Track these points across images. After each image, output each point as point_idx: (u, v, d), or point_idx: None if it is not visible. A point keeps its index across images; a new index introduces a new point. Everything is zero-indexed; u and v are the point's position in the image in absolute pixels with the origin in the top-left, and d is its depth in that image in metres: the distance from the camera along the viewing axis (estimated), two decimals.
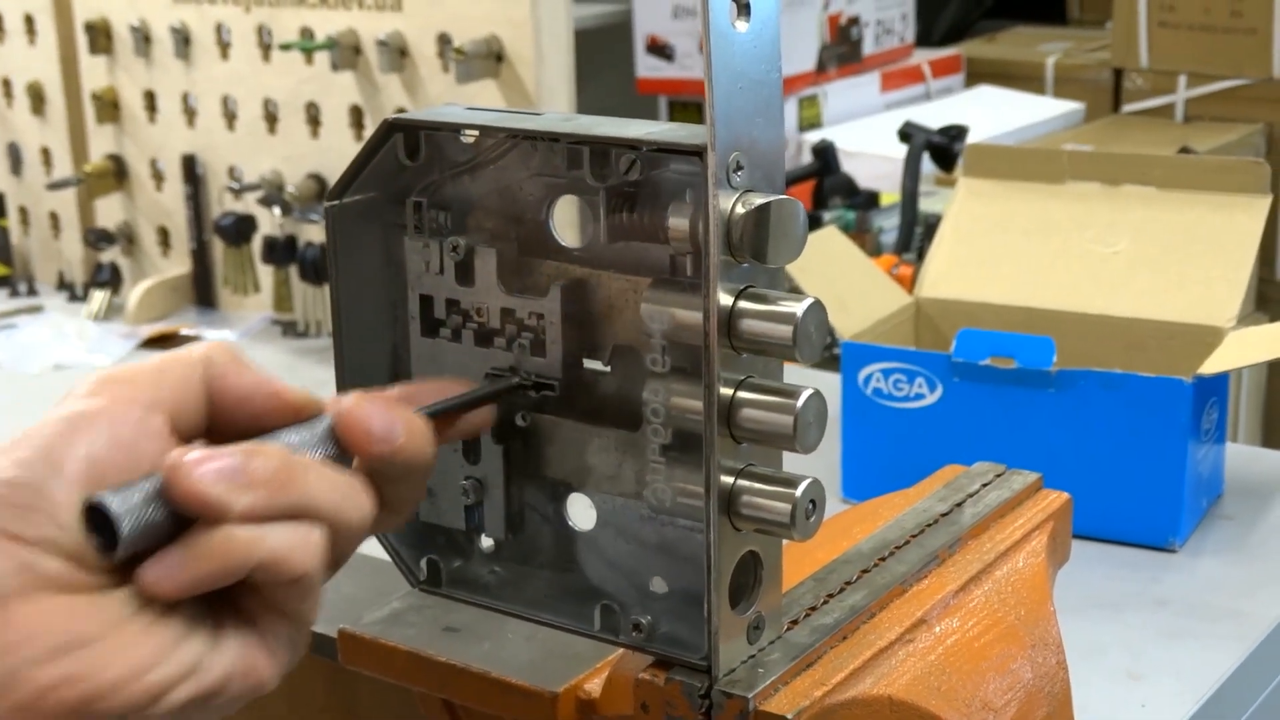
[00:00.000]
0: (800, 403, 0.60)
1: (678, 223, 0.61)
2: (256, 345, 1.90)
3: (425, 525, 0.71)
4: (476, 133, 0.66)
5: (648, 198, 0.62)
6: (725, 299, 0.59)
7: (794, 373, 0.62)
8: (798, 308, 0.59)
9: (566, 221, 0.68)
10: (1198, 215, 1.39)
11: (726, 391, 0.60)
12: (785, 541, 0.64)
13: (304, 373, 1.79)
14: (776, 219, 0.59)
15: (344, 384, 0.70)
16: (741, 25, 0.58)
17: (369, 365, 0.71)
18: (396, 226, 0.69)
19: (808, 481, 0.61)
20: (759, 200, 0.59)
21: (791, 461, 0.63)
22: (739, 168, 0.59)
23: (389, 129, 0.67)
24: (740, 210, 0.59)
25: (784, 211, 0.59)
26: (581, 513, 0.68)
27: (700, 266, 0.60)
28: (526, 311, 0.66)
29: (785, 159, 0.62)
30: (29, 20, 2.08)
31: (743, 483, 0.61)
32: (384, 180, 0.69)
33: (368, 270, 0.70)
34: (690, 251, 0.61)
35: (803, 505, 0.60)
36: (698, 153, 0.59)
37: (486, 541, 0.71)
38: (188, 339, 1.92)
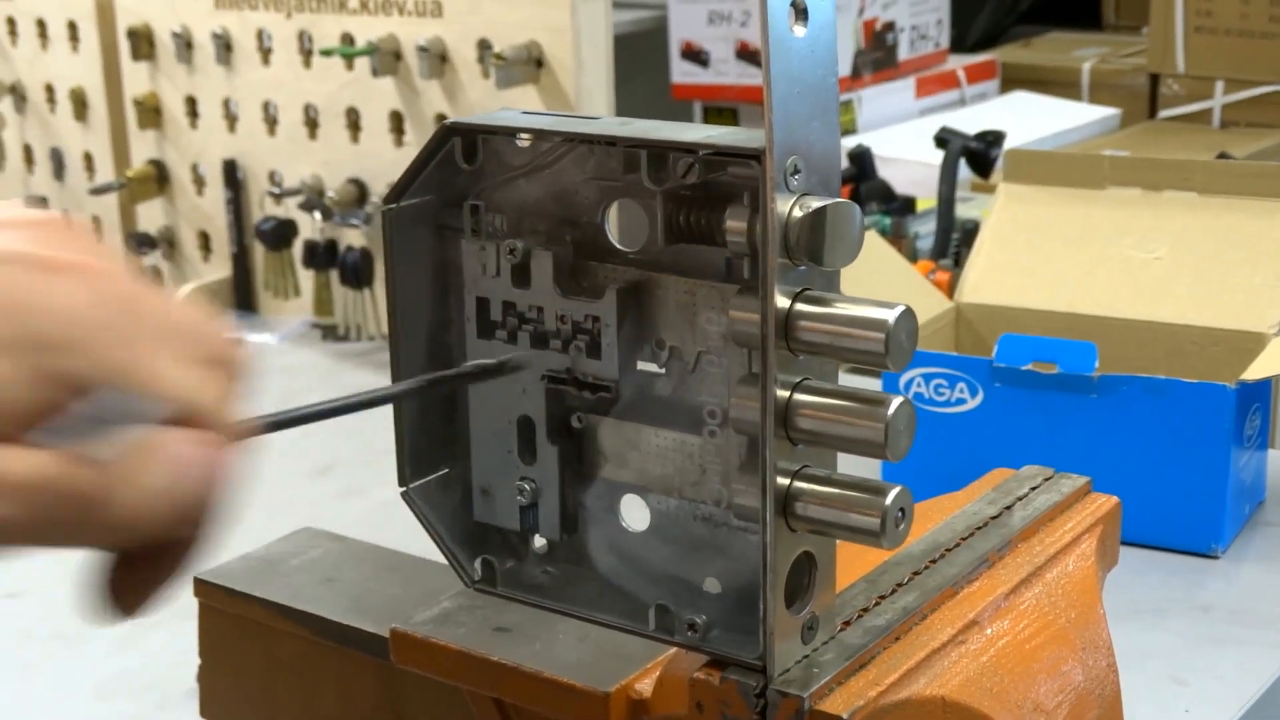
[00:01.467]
0: (891, 411, 0.60)
1: (735, 226, 0.61)
2: (297, 349, 1.91)
3: (480, 526, 0.72)
4: (532, 137, 0.67)
5: (704, 201, 0.63)
6: (782, 301, 0.60)
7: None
8: (889, 315, 0.59)
9: (622, 224, 0.69)
10: (1239, 221, 1.39)
11: (783, 393, 0.61)
12: (838, 543, 0.65)
13: (345, 377, 1.80)
14: (833, 222, 0.59)
15: None
16: (799, 30, 0.59)
17: (424, 368, 0.71)
18: (452, 230, 0.70)
19: (896, 490, 0.61)
20: (816, 203, 0.59)
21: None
22: (796, 171, 0.59)
23: (447, 133, 0.68)
24: (798, 213, 0.59)
25: (840, 214, 0.60)
26: (636, 513, 0.69)
27: (757, 269, 0.60)
28: (582, 314, 0.66)
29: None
30: (72, 26, 2.10)
31: (799, 484, 0.61)
32: (441, 184, 0.69)
33: (423, 273, 0.71)
34: (747, 254, 0.62)
35: (892, 514, 0.61)
36: (755, 156, 0.59)
37: (540, 542, 0.72)
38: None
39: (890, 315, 0.59)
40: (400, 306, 0.71)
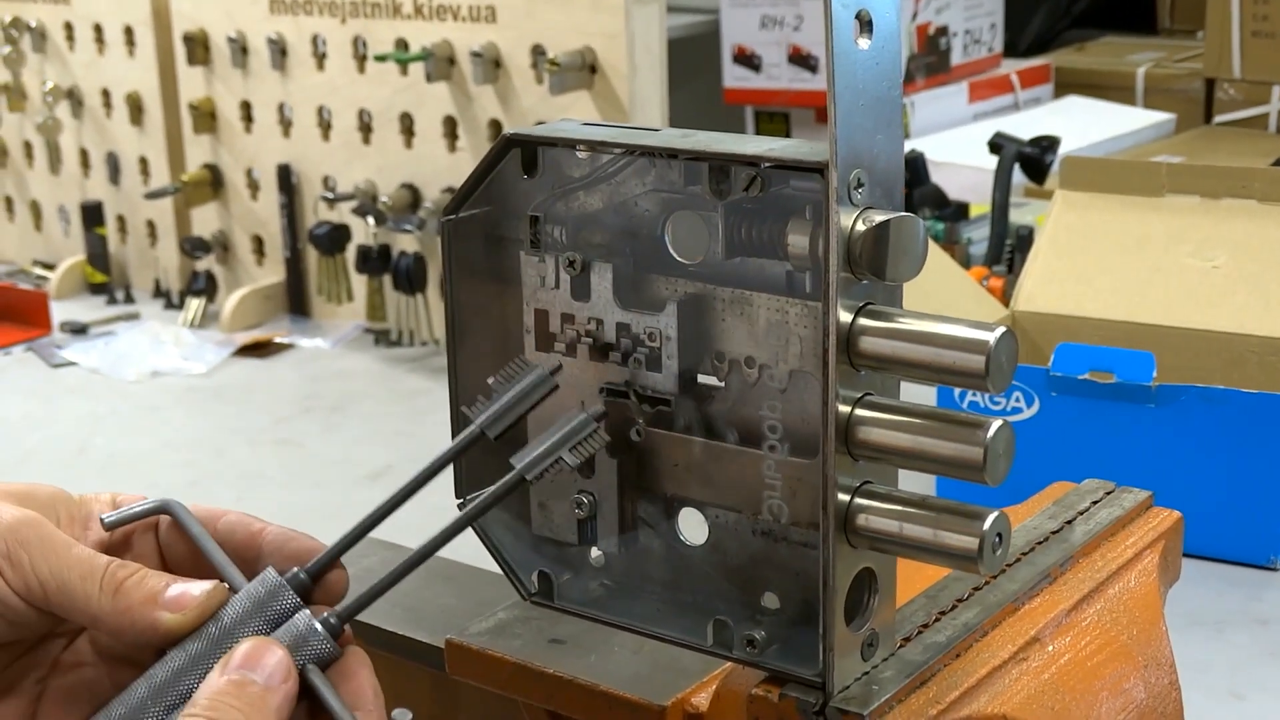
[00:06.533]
0: (990, 434, 0.59)
1: (797, 239, 0.61)
2: (349, 354, 1.91)
3: (537, 539, 0.72)
4: (592, 149, 0.66)
5: (766, 214, 0.62)
6: (845, 316, 0.59)
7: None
8: (989, 336, 0.58)
9: (682, 237, 0.68)
10: None
11: (844, 409, 0.60)
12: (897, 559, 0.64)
13: (396, 381, 1.81)
14: (897, 236, 0.59)
15: (458, 397, 0.71)
16: (864, 42, 0.58)
17: (483, 379, 0.71)
18: (512, 240, 0.69)
19: (994, 515, 0.60)
20: (879, 217, 0.59)
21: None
22: (860, 185, 0.59)
23: (507, 144, 0.68)
24: (861, 227, 0.59)
25: (904, 229, 0.59)
26: (694, 527, 0.68)
27: (819, 283, 0.60)
28: (642, 327, 0.66)
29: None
30: (129, 32, 2.12)
31: (860, 500, 0.61)
32: (500, 195, 0.69)
33: (483, 284, 0.71)
34: (809, 268, 0.61)
35: (990, 539, 0.60)
36: (819, 170, 0.59)
37: (596, 554, 0.71)
38: (281, 346, 1.94)
39: (990, 336, 0.58)
40: (459, 316, 0.71)
